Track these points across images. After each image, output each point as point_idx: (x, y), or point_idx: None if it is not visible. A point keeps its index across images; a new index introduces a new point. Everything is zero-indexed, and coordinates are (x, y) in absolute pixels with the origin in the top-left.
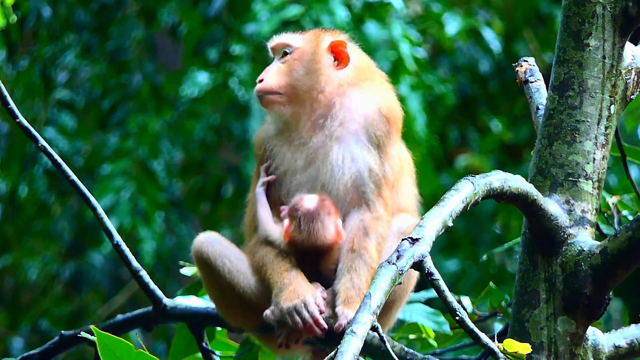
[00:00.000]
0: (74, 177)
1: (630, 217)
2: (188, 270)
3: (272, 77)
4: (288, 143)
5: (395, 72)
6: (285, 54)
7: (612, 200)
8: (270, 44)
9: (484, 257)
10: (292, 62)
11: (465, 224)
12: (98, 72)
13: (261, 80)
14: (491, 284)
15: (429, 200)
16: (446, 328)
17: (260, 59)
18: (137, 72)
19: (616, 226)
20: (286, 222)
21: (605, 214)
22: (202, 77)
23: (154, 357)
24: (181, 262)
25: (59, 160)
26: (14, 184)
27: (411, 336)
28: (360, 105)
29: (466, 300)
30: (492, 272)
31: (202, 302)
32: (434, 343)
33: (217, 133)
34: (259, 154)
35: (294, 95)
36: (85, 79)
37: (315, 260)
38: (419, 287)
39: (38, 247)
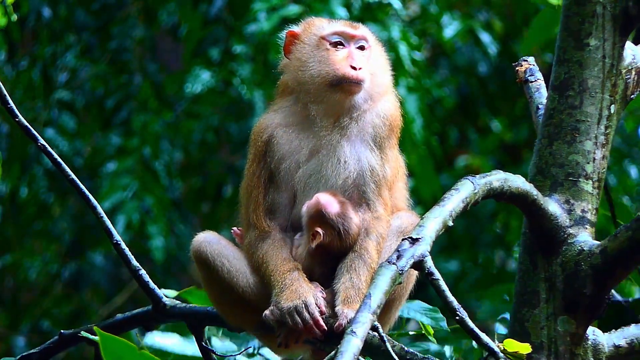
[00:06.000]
0: (73, 176)
1: None
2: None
3: (366, 69)
4: (297, 131)
5: (393, 73)
6: (362, 47)
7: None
8: (354, 31)
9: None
10: (375, 60)
11: (465, 225)
12: (98, 73)
13: (360, 68)
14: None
15: (429, 200)
16: (444, 325)
17: (261, 59)
18: (138, 72)
19: None
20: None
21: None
22: (206, 76)
23: (156, 357)
24: None
25: (59, 159)
26: (14, 185)
27: (411, 332)
28: (374, 110)
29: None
30: (493, 272)
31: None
32: (433, 340)
33: (217, 134)
34: (260, 141)
35: (368, 91)
36: (85, 79)
37: (328, 259)
38: (418, 286)
39: (38, 247)
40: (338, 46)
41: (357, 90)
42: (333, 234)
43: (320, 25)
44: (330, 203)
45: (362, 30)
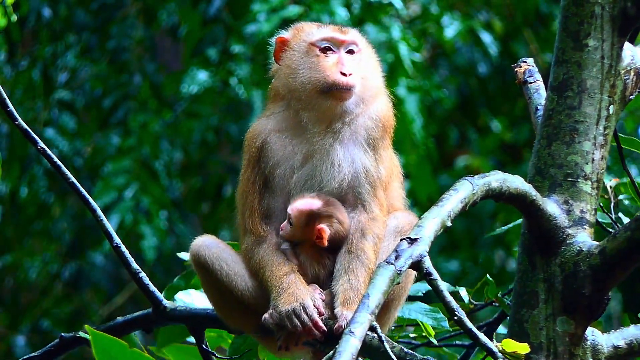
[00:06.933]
0: (73, 179)
1: (627, 202)
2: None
3: (357, 74)
4: (290, 137)
5: (393, 73)
6: (352, 51)
7: (610, 183)
8: (343, 36)
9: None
10: (365, 63)
11: (465, 225)
12: (98, 72)
13: (350, 74)
14: (488, 276)
15: (425, 203)
16: (445, 324)
17: (260, 59)
18: (137, 72)
19: (612, 212)
20: (325, 229)
21: (603, 196)
22: (203, 76)
23: (149, 356)
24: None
25: (58, 162)
26: (14, 185)
27: (411, 335)
28: (366, 113)
29: (463, 292)
30: (494, 272)
31: (198, 295)
32: (434, 341)
33: (217, 134)
34: (254, 147)
35: (360, 95)
36: (85, 79)
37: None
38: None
39: (38, 247)
40: (327, 52)
41: (348, 96)
42: (333, 221)
43: (310, 31)
44: (309, 203)
45: (351, 34)
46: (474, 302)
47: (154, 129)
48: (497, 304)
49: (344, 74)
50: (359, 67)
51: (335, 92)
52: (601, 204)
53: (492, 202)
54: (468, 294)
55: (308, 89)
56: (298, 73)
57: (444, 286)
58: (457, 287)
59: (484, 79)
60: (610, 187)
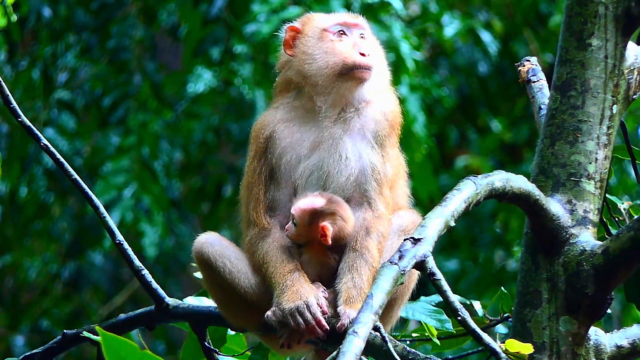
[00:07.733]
0: (76, 176)
1: None
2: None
3: (373, 56)
4: (298, 125)
5: (395, 72)
6: (363, 37)
7: (624, 206)
8: (355, 20)
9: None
10: (375, 47)
11: (465, 224)
12: (98, 72)
13: (368, 54)
14: (502, 288)
15: (426, 202)
16: (449, 326)
17: (261, 59)
18: (137, 72)
19: None
20: (328, 226)
21: (617, 219)
22: (207, 75)
23: (159, 357)
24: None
25: (61, 159)
26: (14, 185)
27: (414, 334)
28: (376, 104)
29: (477, 305)
30: (493, 272)
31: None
32: (437, 341)
33: (217, 134)
34: (262, 137)
35: (373, 80)
36: (85, 79)
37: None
38: (421, 286)
39: (38, 247)
40: (341, 36)
41: (368, 76)
42: (337, 219)
43: (320, 19)
44: (312, 201)
45: (361, 19)
46: (489, 317)
47: (153, 128)
48: (512, 320)
49: (362, 54)
50: (373, 50)
51: (357, 72)
52: (617, 220)
53: (492, 202)
54: (483, 308)
55: (325, 73)
56: (314, 58)
57: (447, 286)
58: (460, 292)
59: (484, 79)
60: (625, 209)
